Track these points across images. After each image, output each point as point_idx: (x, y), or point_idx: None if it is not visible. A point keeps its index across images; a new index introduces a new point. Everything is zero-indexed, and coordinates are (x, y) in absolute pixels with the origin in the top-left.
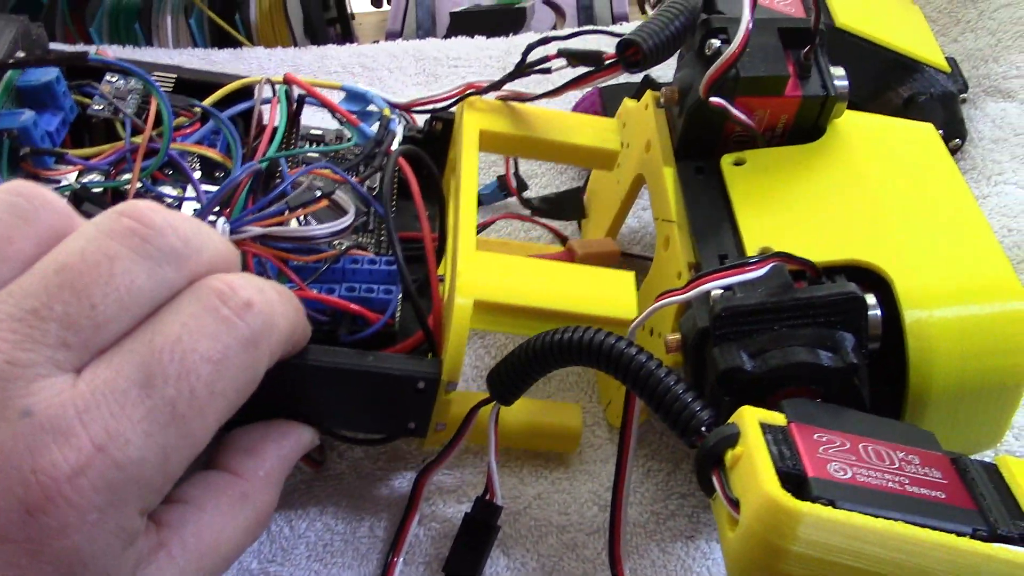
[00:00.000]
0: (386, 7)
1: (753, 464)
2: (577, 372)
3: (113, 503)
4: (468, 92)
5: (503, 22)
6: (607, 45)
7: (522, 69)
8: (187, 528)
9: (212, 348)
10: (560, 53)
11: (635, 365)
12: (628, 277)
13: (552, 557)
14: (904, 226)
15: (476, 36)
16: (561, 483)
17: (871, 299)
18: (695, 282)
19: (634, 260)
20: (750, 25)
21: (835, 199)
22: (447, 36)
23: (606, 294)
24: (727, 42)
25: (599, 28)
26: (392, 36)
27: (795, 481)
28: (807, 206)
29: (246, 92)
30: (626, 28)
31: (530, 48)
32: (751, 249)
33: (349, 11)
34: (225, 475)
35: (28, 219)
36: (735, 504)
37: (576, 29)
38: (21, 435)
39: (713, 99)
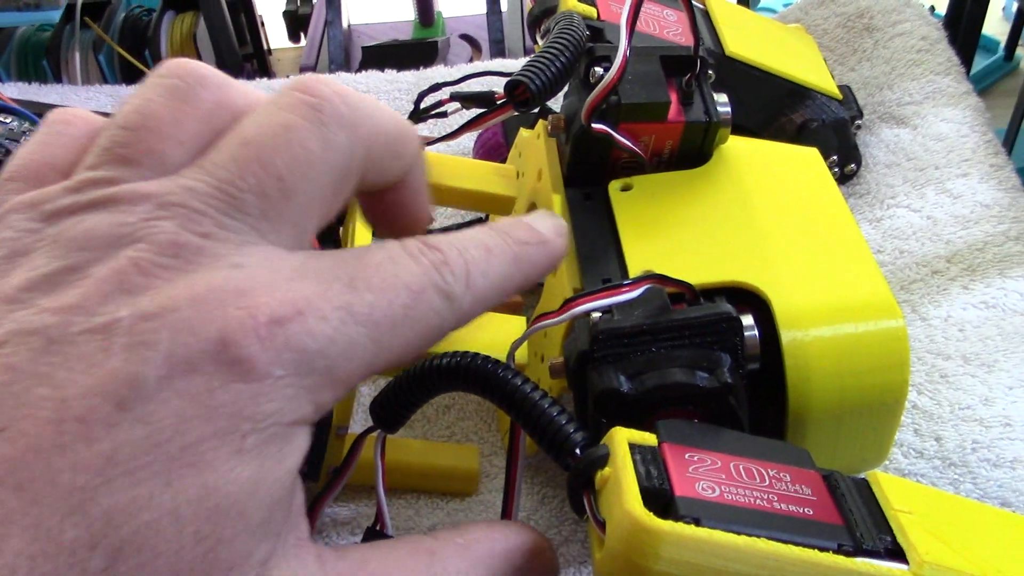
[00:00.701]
0: (303, 41)
1: (619, 484)
2: (476, 401)
3: (297, 370)
4: None
5: (416, 56)
6: (500, 85)
7: (418, 114)
8: (350, 558)
9: (413, 281)
10: (453, 97)
11: (510, 388)
12: (520, 321)
13: None
14: (784, 248)
15: (387, 70)
16: (457, 514)
17: (747, 320)
18: (568, 304)
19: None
20: (627, 51)
21: (719, 222)
22: (359, 70)
23: (497, 338)
24: (609, 70)
25: (489, 70)
26: (306, 70)
27: (662, 500)
28: (691, 230)
29: None
30: (521, 62)
31: (422, 95)
32: (634, 273)
33: (266, 46)
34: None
35: (189, 99)
36: (602, 525)
37: (467, 72)
38: (231, 279)
39: (596, 125)
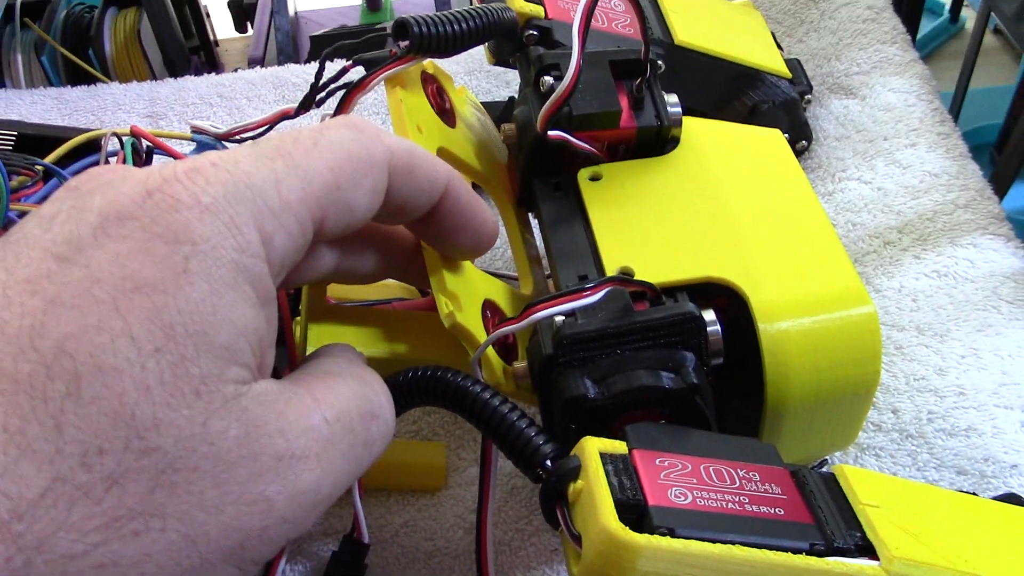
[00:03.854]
0: (251, 31)
1: (592, 498)
2: None
3: (224, 198)
4: (282, 118)
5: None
6: None
7: (320, 86)
8: (335, 390)
9: (319, 125)
10: (354, 61)
11: (477, 402)
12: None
13: None
14: (756, 239)
15: (336, 59)
16: (428, 509)
17: (709, 315)
18: (529, 310)
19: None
20: (579, 64)
21: (691, 212)
22: (308, 60)
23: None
24: (559, 78)
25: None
26: (254, 62)
27: (635, 511)
28: (664, 221)
29: (95, 144)
30: None
31: (324, 58)
32: (610, 269)
33: (212, 38)
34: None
35: None
36: (578, 539)
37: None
38: (161, 169)
39: (552, 133)
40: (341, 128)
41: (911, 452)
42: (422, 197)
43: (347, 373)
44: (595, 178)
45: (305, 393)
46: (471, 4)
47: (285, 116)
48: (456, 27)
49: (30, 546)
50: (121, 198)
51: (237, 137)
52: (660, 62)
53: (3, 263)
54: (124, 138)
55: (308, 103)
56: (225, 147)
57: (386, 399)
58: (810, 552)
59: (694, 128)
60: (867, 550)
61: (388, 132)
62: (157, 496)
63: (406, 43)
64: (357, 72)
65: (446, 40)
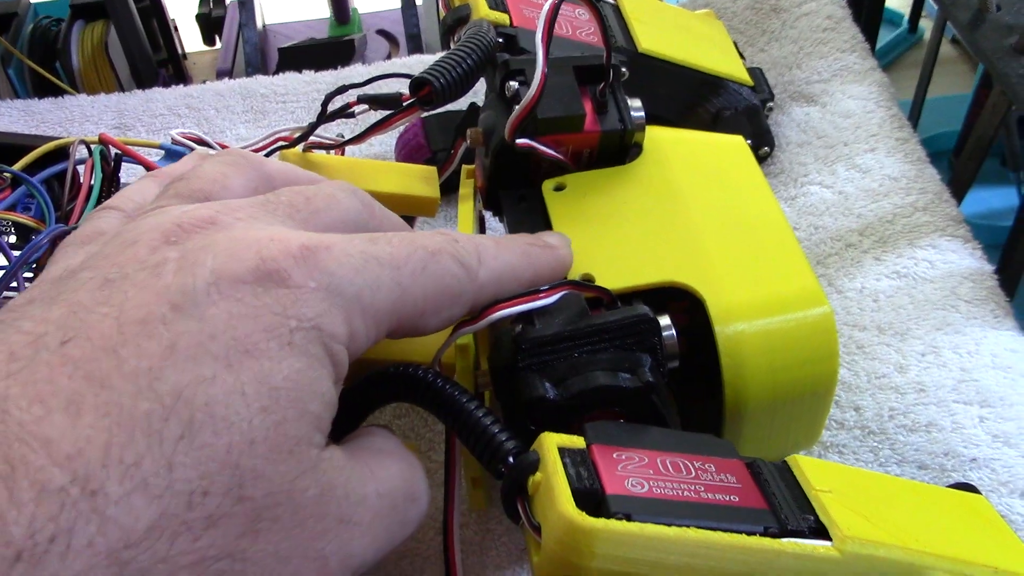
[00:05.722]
0: (219, 44)
1: (550, 488)
2: None
3: (328, 286)
4: (277, 143)
5: (333, 55)
6: (406, 86)
7: (325, 118)
8: (386, 468)
9: (429, 244)
10: (360, 100)
11: (443, 397)
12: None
13: None
14: (715, 243)
15: (304, 71)
16: None
17: (664, 320)
18: (486, 311)
19: None
20: (544, 70)
21: (652, 218)
22: (276, 72)
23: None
24: (525, 84)
25: (396, 73)
26: (223, 74)
27: (593, 500)
28: (625, 228)
29: (64, 152)
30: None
31: (329, 98)
32: (571, 276)
33: (181, 52)
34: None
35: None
36: (538, 529)
37: (374, 74)
38: (263, 230)
39: (520, 140)
40: (451, 262)
41: (873, 448)
42: None
43: (396, 454)
44: (559, 188)
45: (363, 465)
46: (437, 8)
47: (281, 141)
48: (463, 67)
49: (133, 574)
50: (235, 263)
51: None
52: (624, 69)
53: (110, 300)
54: (93, 146)
55: (307, 135)
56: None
57: (425, 485)
58: (764, 534)
59: (657, 136)
60: (820, 532)
61: (491, 258)
62: (243, 541)
63: (428, 94)
64: (360, 107)
65: (459, 85)
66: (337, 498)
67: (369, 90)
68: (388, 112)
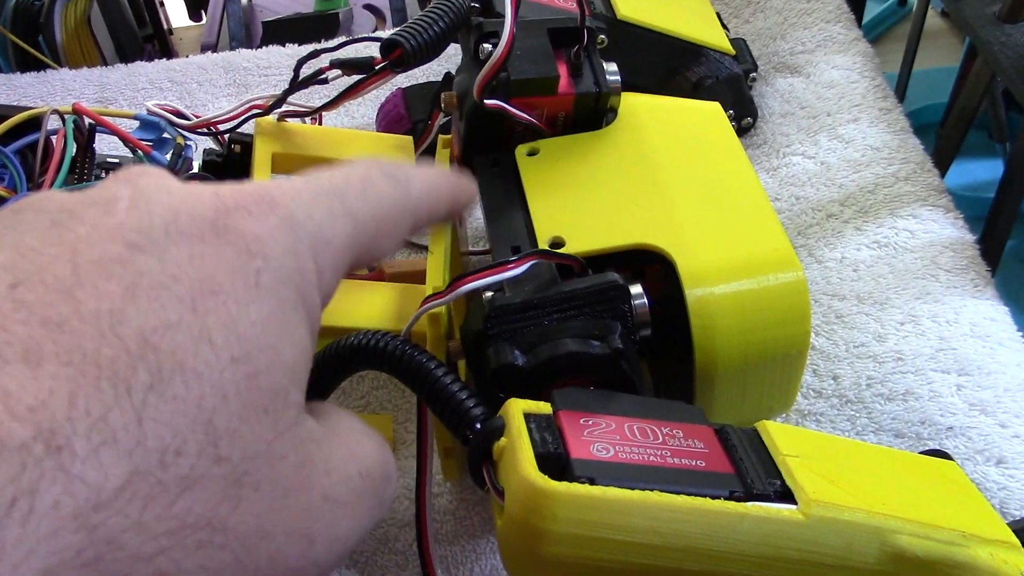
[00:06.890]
0: (205, 19)
1: (514, 452)
2: None
3: (290, 225)
4: (252, 111)
5: (317, 29)
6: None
7: (297, 83)
8: (364, 448)
9: (357, 169)
10: (332, 64)
11: (413, 365)
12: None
13: (365, 552)
14: (688, 207)
15: (288, 44)
16: None
17: (636, 289)
18: (455, 283)
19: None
20: (513, 28)
21: (624, 183)
22: (261, 45)
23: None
24: (497, 45)
25: (366, 36)
26: (207, 48)
27: (558, 464)
28: (598, 192)
29: (37, 123)
30: None
31: (301, 63)
32: (542, 240)
33: (166, 27)
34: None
35: None
36: (502, 493)
37: (344, 39)
38: (214, 187)
39: (489, 101)
40: (383, 181)
41: (850, 417)
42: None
43: (368, 432)
44: (532, 153)
45: (341, 443)
46: None
47: (256, 109)
48: (435, 29)
49: (103, 540)
50: (192, 201)
51: (204, 129)
52: (602, 36)
53: (60, 240)
54: (66, 116)
55: (280, 103)
56: (189, 139)
57: (395, 466)
58: (729, 498)
59: (633, 102)
60: (786, 496)
61: (416, 175)
62: (223, 509)
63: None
64: (333, 73)
65: (430, 48)
66: (319, 472)
67: (341, 55)
68: (360, 76)
